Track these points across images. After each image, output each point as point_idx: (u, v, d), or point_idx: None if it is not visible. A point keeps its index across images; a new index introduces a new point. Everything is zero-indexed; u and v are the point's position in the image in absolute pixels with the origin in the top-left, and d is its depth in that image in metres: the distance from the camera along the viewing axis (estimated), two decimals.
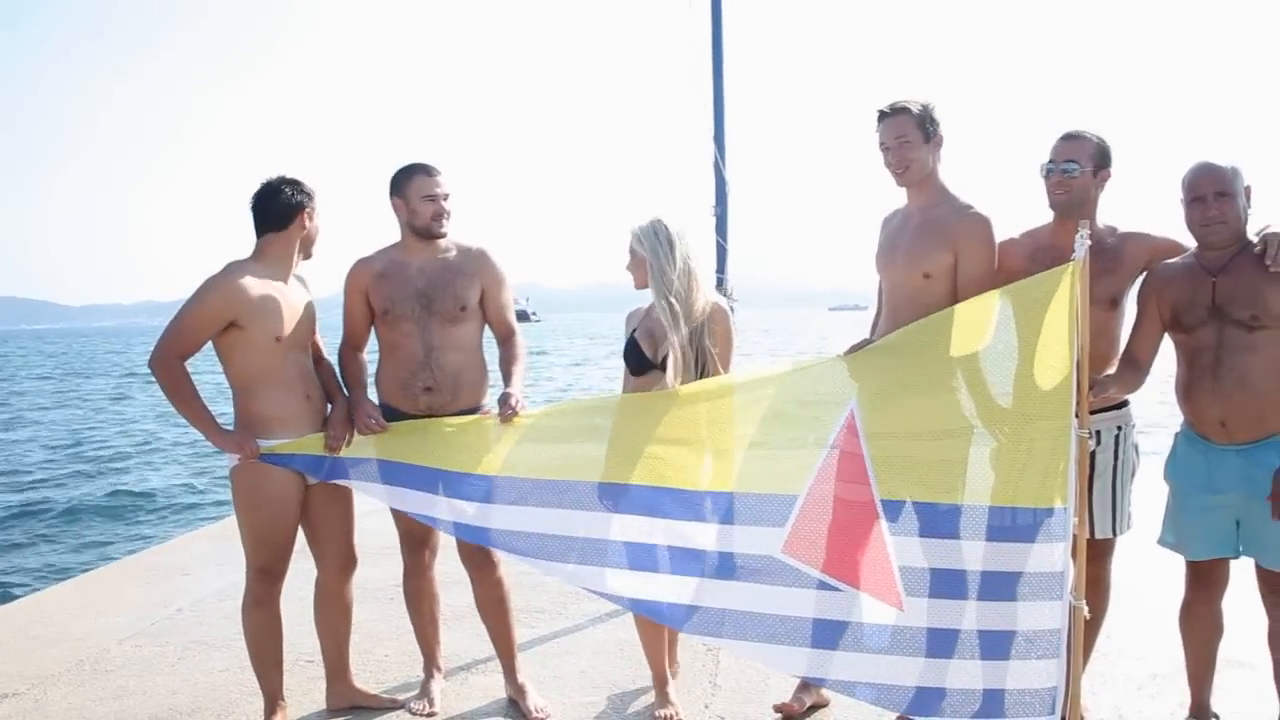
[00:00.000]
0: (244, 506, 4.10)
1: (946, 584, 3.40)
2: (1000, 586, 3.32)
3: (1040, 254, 3.71)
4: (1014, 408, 3.30)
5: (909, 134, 3.74)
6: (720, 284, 5.79)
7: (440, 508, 4.04)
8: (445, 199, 4.27)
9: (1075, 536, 3.24)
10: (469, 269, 4.31)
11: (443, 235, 4.29)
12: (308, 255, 4.27)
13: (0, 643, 5.53)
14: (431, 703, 4.51)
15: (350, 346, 4.38)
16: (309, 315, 4.25)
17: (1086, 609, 3.26)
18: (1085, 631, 3.43)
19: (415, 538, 4.50)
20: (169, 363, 3.99)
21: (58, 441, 23.52)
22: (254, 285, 4.02)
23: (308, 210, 4.17)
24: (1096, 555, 3.73)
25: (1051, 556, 3.23)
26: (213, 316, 3.99)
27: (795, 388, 3.80)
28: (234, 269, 4.06)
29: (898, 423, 3.50)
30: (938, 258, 3.72)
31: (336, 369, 4.43)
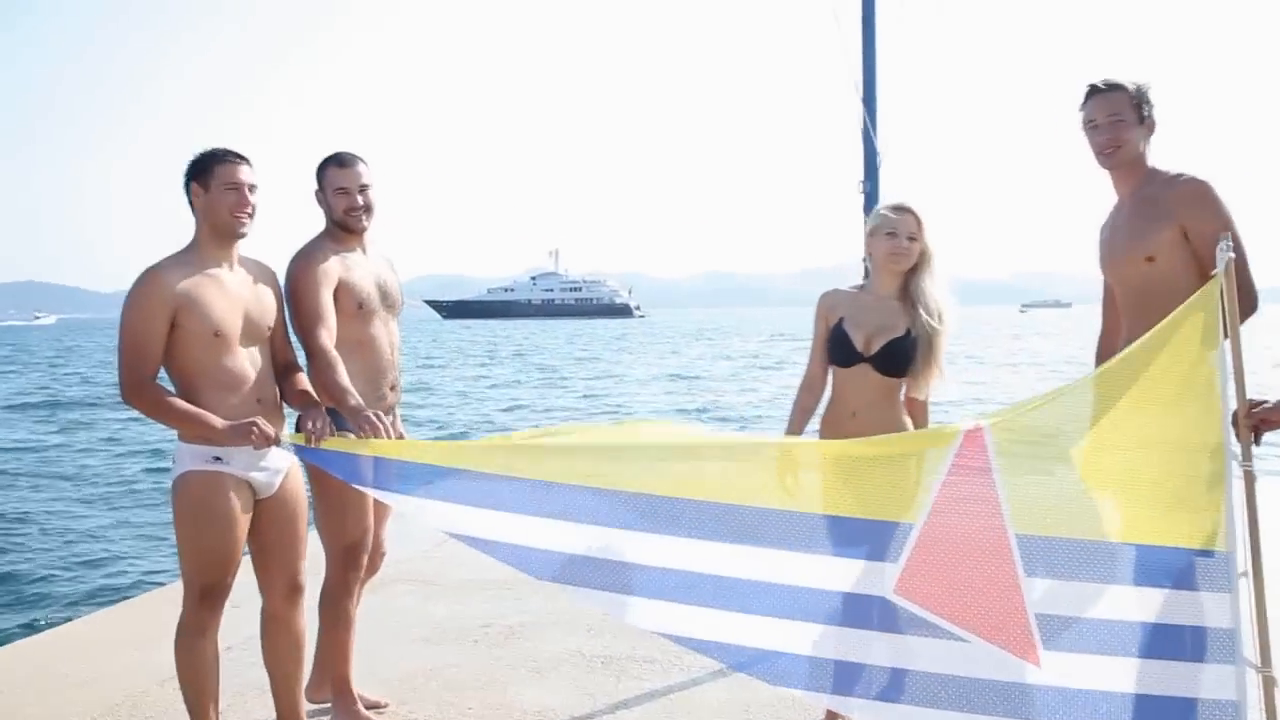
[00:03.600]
0: (190, 521, 3.76)
1: (1094, 636, 3.06)
2: (1159, 641, 3.01)
3: None
4: (1166, 436, 3.04)
5: (1123, 112, 3.51)
6: (869, 275, 4.98)
7: (514, 530, 3.54)
8: (361, 191, 4.24)
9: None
10: (390, 267, 4.54)
11: (362, 230, 4.29)
12: (225, 233, 3.81)
13: (23, 682, 5.07)
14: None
15: (330, 341, 4.07)
16: (264, 307, 3.95)
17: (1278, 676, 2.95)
18: None
19: (359, 549, 4.30)
20: (140, 389, 3.72)
21: None
22: (183, 276, 3.75)
23: (198, 183, 3.82)
24: None
25: (1218, 609, 2.94)
26: (154, 319, 3.71)
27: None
28: (163, 263, 3.79)
29: (1036, 443, 3.18)
30: (1159, 235, 3.45)
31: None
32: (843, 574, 3.27)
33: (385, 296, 4.32)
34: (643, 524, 3.43)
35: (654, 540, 3.41)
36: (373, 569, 4.54)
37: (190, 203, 3.83)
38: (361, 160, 4.28)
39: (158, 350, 3.72)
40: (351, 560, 4.25)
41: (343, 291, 4.16)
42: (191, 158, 3.85)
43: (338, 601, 4.27)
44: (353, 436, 3.79)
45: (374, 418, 3.73)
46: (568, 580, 3.49)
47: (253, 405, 3.80)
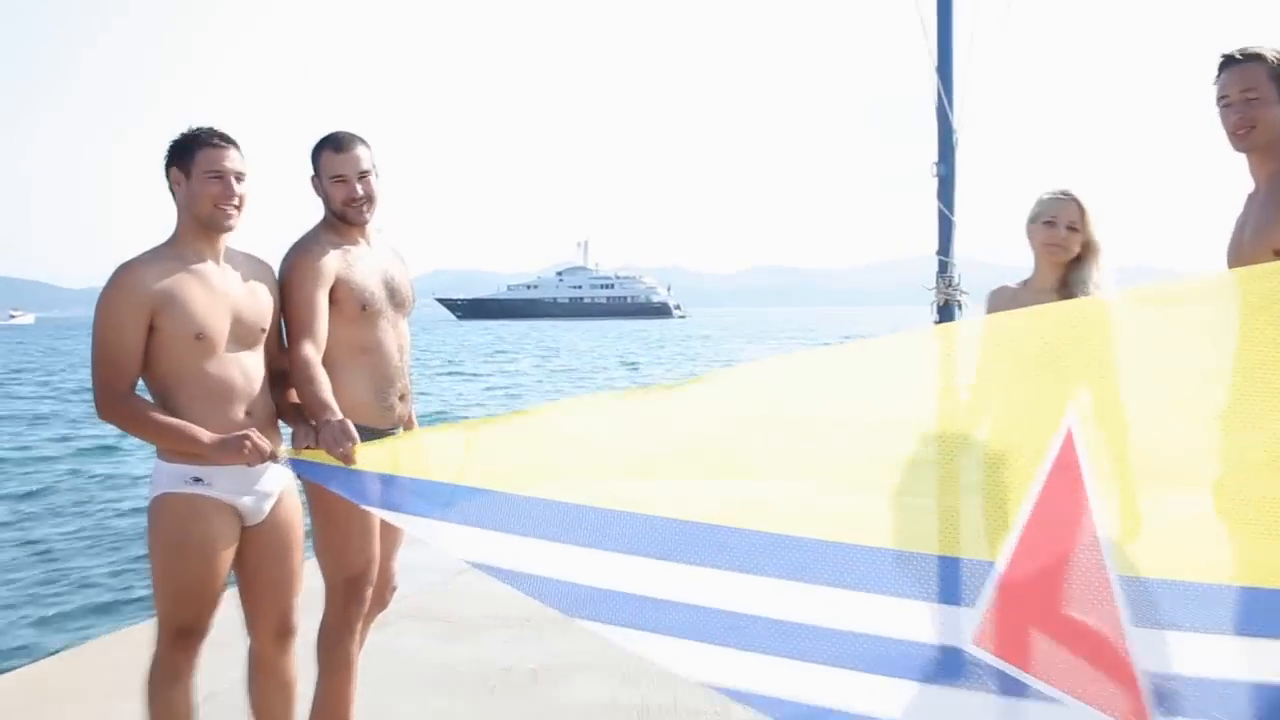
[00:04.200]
0: (164, 550, 3.47)
1: (1219, 700, 2.65)
2: None
3: None
4: None
5: (1260, 88, 3.17)
6: (944, 270, 4.53)
7: (541, 558, 3.20)
8: (361, 178, 3.82)
9: None
10: (399, 260, 4.14)
11: (364, 222, 3.88)
12: (210, 226, 3.49)
13: None
14: None
15: (317, 349, 3.70)
16: (258, 308, 3.62)
17: None
18: None
19: (362, 582, 3.91)
20: (116, 401, 3.42)
21: None
22: (161, 272, 3.45)
23: (178, 168, 3.51)
24: None
25: None
26: (130, 321, 3.41)
27: (987, 392, 3.00)
28: (139, 258, 3.50)
29: (1141, 454, 2.80)
30: None
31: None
32: (913, 620, 2.94)
33: (393, 295, 3.94)
34: (687, 555, 3.13)
35: (699, 574, 3.10)
36: (380, 604, 4.17)
37: (171, 190, 3.52)
38: (361, 142, 3.87)
39: (135, 356, 3.43)
40: (354, 594, 3.87)
41: (343, 291, 3.78)
42: (172, 140, 3.52)
43: (338, 641, 3.89)
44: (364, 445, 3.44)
45: (344, 434, 3.35)
46: (600, 617, 3.18)
47: (241, 418, 3.49)
